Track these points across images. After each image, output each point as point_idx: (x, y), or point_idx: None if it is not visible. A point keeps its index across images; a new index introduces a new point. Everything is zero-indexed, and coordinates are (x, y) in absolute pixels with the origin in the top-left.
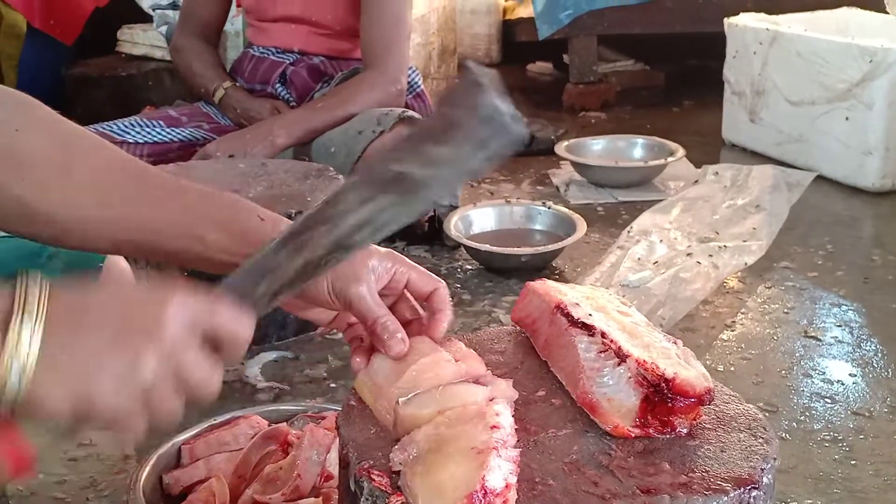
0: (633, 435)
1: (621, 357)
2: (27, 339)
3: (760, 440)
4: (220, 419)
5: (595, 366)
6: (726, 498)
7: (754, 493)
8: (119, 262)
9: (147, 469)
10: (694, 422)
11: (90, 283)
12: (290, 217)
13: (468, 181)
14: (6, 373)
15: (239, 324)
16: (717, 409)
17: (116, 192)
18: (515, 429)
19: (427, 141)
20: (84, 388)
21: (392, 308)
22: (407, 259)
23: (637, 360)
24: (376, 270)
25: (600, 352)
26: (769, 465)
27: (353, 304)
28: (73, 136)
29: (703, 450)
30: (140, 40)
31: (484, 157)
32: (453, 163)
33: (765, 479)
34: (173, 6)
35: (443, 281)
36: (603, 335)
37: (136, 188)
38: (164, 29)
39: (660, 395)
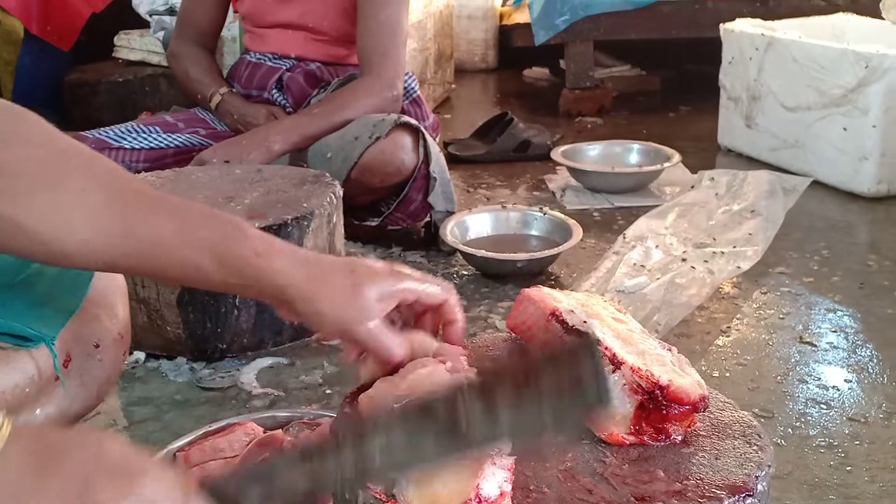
0: (627, 442)
1: (616, 364)
2: None
3: (755, 447)
4: (214, 426)
5: None
6: None
7: (749, 500)
8: (115, 283)
9: None
10: (689, 429)
11: (63, 430)
12: (285, 224)
13: (520, 435)
14: None
15: None
16: (711, 416)
17: (108, 213)
18: None
19: (501, 385)
20: None
21: (415, 323)
22: (412, 274)
23: (632, 368)
24: (382, 299)
25: None
26: (764, 473)
27: (360, 342)
28: (65, 151)
29: (697, 457)
30: (137, 46)
31: (559, 422)
32: (515, 420)
33: (759, 487)
34: (170, 12)
35: (451, 288)
36: (597, 342)
37: (130, 210)
38: (160, 35)
39: (654, 403)
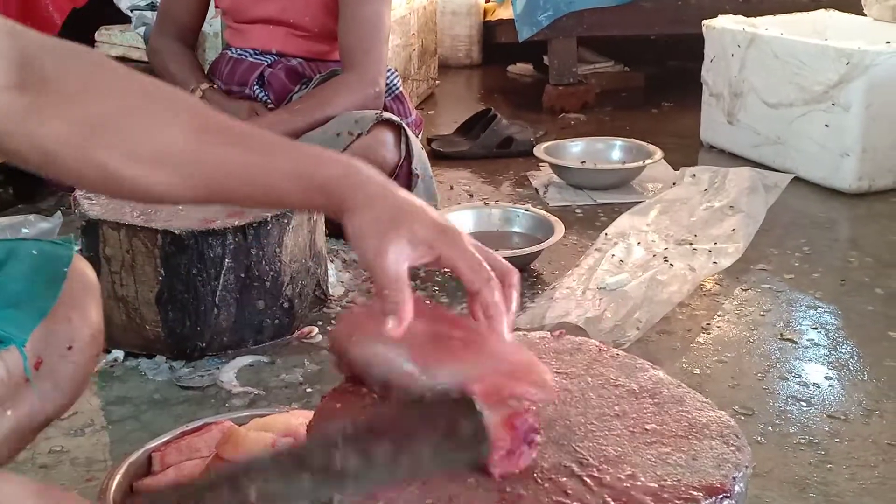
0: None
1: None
2: None
3: (732, 448)
4: (192, 425)
5: None
6: None
7: (726, 501)
8: (83, 269)
9: (118, 476)
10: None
11: None
12: (265, 222)
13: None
14: None
15: None
16: (689, 416)
17: (195, 157)
18: None
19: (380, 434)
20: None
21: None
22: (462, 240)
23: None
24: (413, 243)
25: None
26: (741, 474)
27: (370, 271)
28: (151, 94)
29: (674, 458)
30: (118, 41)
31: (436, 467)
32: (389, 466)
33: (737, 488)
34: (151, 7)
35: (494, 280)
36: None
37: (215, 151)
38: (142, 30)
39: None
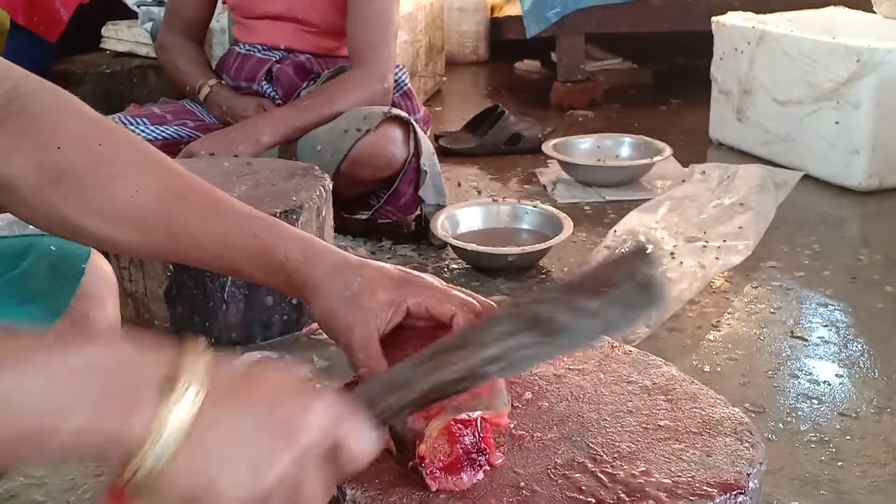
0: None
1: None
2: (185, 412)
3: (746, 444)
4: None
5: None
6: (712, 503)
7: (740, 498)
8: (101, 264)
9: None
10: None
11: (243, 363)
12: (274, 216)
13: (603, 330)
14: (152, 445)
15: (366, 442)
16: (702, 412)
17: (156, 220)
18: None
19: (580, 292)
20: (216, 478)
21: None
22: (424, 281)
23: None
24: (378, 316)
25: None
26: (755, 470)
27: (347, 353)
28: (117, 148)
29: (688, 454)
30: (125, 37)
31: (627, 318)
32: (599, 317)
33: (751, 485)
34: (158, 3)
35: (468, 302)
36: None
37: (174, 219)
38: (149, 25)
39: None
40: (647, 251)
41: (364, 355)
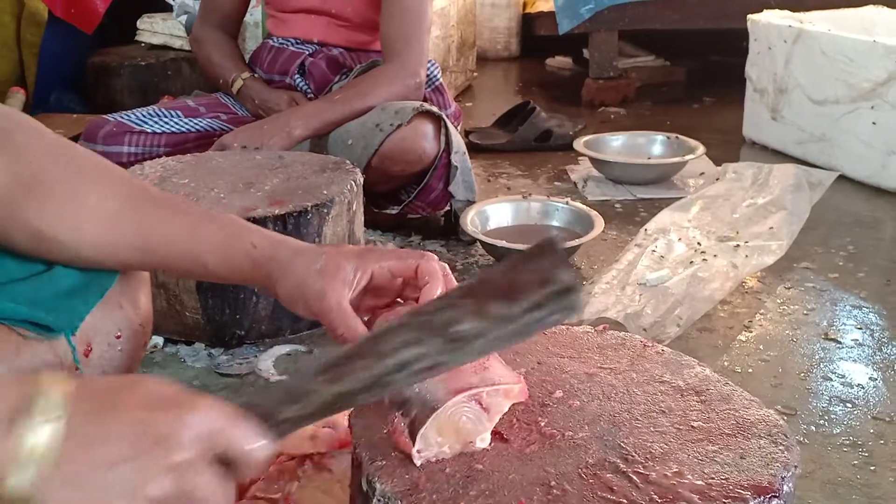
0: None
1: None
2: (48, 439)
3: (781, 447)
4: None
5: None
6: None
7: (774, 501)
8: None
9: None
10: None
11: (110, 378)
12: (305, 211)
13: (517, 337)
14: (19, 478)
15: (255, 447)
16: (736, 413)
17: (122, 221)
18: (532, 430)
19: (488, 296)
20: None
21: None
22: (382, 249)
23: None
24: (346, 280)
25: None
26: (790, 474)
27: (323, 319)
28: (81, 163)
29: (722, 456)
30: (160, 29)
31: (542, 325)
32: (507, 323)
33: (785, 488)
34: None
35: (427, 254)
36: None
37: (142, 215)
38: (183, 18)
39: None
40: (556, 248)
41: (339, 316)
